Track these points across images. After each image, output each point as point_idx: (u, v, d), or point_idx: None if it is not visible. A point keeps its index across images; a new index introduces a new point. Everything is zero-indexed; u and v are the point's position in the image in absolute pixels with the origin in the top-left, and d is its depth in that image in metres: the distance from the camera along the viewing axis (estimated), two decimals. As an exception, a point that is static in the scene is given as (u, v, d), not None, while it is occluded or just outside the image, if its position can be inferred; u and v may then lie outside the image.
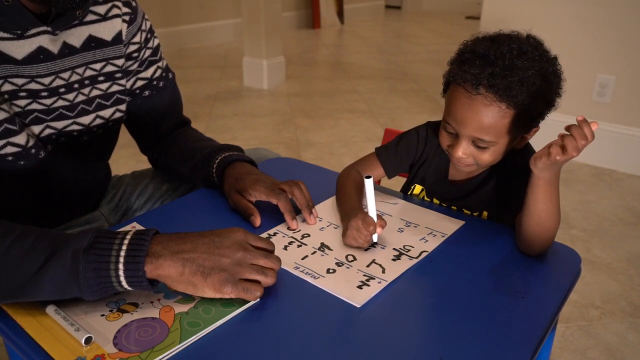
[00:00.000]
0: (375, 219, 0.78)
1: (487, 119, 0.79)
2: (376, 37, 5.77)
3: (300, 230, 0.84)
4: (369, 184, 0.78)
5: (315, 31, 5.97)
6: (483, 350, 0.59)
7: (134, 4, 0.94)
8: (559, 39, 2.48)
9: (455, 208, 0.95)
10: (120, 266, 0.61)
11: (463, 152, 0.83)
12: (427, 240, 0.81)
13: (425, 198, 0.99)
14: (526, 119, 0.82)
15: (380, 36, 5.85)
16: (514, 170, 0.86)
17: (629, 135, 2.40)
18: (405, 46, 5.30)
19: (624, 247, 1.84)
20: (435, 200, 0.98)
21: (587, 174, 2.40)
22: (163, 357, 0.57)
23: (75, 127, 0.88)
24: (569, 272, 0.74)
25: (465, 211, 0.94)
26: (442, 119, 0.87)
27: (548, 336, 0.66)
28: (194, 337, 0.60)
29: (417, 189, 1.00)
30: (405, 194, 1.02)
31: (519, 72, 0.77)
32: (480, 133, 0.81)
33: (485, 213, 0.94)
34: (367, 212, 0.79)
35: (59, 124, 0.86)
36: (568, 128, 0.72)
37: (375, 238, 0.79)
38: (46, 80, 0.82)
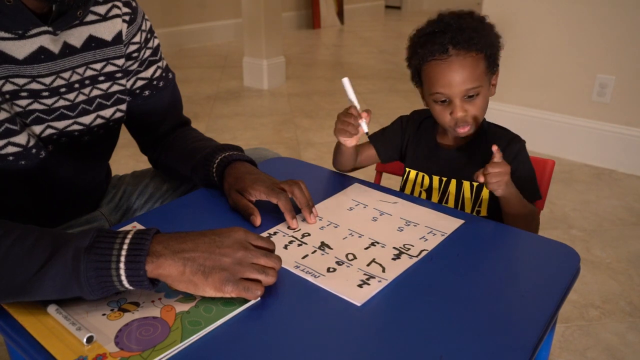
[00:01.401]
0: (359, 109, 0.93)
1: (468, 69, 0.93)
2: (376, 37, 5.77)
3: (300, 229, 0.84)
4: (346, 82, 0.96)
5: (315, 31, 5.97)
6: (483, 348, 0.59)
7: (134, 4, 0.94)
8: (559, 39, 2.49)
9: (455, 180, 1.01)
10: (122, 265, 0.61)
11: (462, 111, 0.95)
12: (427, 239, 0.81)
13: (426, 178, 1.05)
14: (492, 59, 0.96)
15: (380, 36, 5.85)
16: (507, 156, 0.96)
17: (629, 135, 2.40)
18: (405, 46, 5.29)
19: (624, 247, 1.84)
20: (435, 177, 1.03)
21: (587, 174, 2.40)
22: (164, 356, 0.58)
23: (76, 127, 0.89)
24: (568, 271, 0.74)
25: (466, 184, 1.01)
26: (429, 96, 0.98)
27: (547, 335, 0.66)
28: (195, 336, 0.60)
29: (412, 174, 1.07)
30: (402, 187, 1.08)
31: (469, 26, 0.93)
32: (468, 84, 0.93)
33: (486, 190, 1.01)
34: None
35: (60, 124, 0.86)
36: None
37: (364, 127, 0.96)
38: (47, 80, 0.82)
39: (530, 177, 0.99)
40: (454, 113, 0.95)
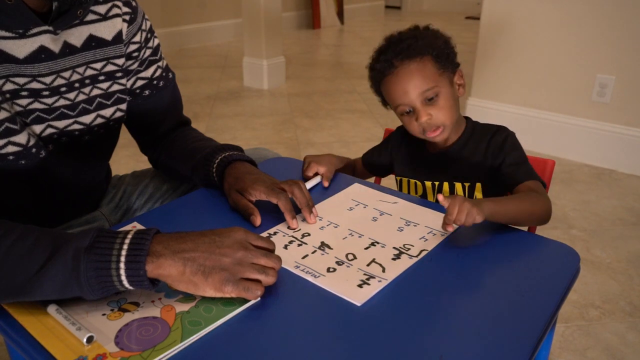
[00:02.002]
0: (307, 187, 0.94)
1: (416, 73, 0.95)
2: (376, 37, 5.74)
3: (300, 229, 0.84)
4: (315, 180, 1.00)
5: (315, 31, 5.97)
6: (482, 348, 0.59)
7: (134, 3, 0.94)
8: (559, 39, 2.49)
9: (447, 183, 1.01)
10: (122, 265, 0.61)
11: (426, 114, 0.96)
12: (426, 239, 0.81)
13: (419, 185, 1.05)
14: (442, 58, 0.97)
15: (380, 36, 5.77)
16: (495, 151, 0.98)
17: (629, 135, 2.40)
18: (405, 46, 5.29)
19: (624, 247, 1.84)
20: (427, 183, 1.03)
21: (587, 174, 2.40)
22: (164, 356, 0.58)
23: (76, 126, 0.89)
24: (568, 270, 0.74)
25: (458, 185, 1.00)
26: (395, 111, 1.01)
27: (547, 335, 0.66)
28: (195, 336, 0.60)
29: (404, 182, 1.08)
30: (398, 191, 1.07)
31: (407, 36, 0.99)
32: (422, 86, 0.95)
33: (478, 185, 1.00)
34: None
35: (60, 124, 0.86)
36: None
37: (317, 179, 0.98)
38: (47, 80, 0.82)
39: (521, 162, 0.97)
40: (418, 119, 0.96)
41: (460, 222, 0.77)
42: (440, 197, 0.79)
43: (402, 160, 1.10)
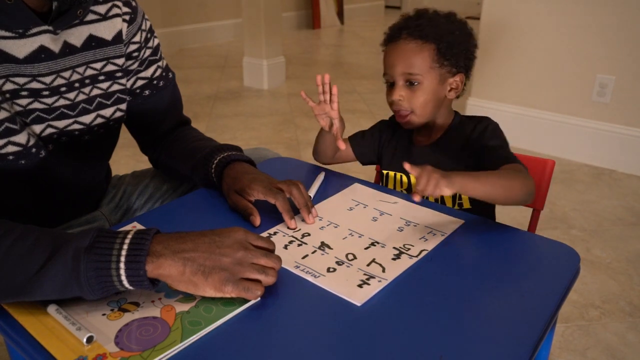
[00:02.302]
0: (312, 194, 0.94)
1: (410, 52, 0.96)
2: (376, 37, 5.76)
3: (300, 229, 0.84)
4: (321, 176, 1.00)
5: (315, 31, 5.97)
6: (482, 348, 0.59)
7: (134, 3, 0.94)
8: (559, 38, 2.49)
9: None
10: (122, 265, 0.61)
11: (399, 94, 0.97)
12: (426, 239, 0.81)
13: (404, 178, 1.05)
14: (445, 54, 0.96)
15: (380, 36, 5.79)
16: (477, 136, 0.99)
17: (629, 135, 2.40)
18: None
19: (624, 247, 1.84)
20: (412, 177, 1.04)
21: (587, 174, 2.40)
22: (164, 356, 0.58)
23: (76, 126, 0.89)
24: (568, 270, 0.74)
25: None
26: (383, 77, 1.02)
27: (547, 335, 0.66)
28: (195, 336, 0.60)
29: (391, 174, 1.08)
30: (382, 185, 1.09)
31: (427, 17, 0.98)
32: (408, 67, 0.96)
33: None
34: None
35: (60, 123, 0.86)
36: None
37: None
38: (47, 80, 0.82)
39: (500, 146, 0.96)
40: (391, 95, 0.98)
41: (428, 192, 0.76)
42: (407, 165, 0.78)
43: (390, 153, 1.11)
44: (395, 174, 1.08)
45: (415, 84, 0.96)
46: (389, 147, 1.11)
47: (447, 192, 0.77)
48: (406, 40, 0.97)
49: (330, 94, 0.98)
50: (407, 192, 1.06)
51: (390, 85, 1.00)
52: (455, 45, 0.97)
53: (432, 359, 0.57)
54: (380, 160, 1.13)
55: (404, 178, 1.06)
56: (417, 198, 0.78)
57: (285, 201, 0.85)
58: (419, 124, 1.01)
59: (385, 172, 1.10)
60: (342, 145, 0.98)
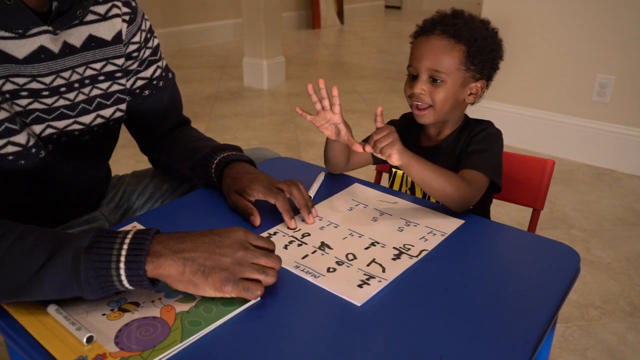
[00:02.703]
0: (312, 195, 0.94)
1: (441, 50, 0.95)
2: (376, 37, 5.77)
3: (300, 229, 0.84)
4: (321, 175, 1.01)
5: (315, 31, 5.97)
6: (482, 348, 0.59)
7: (133, 3, 0.94)
8: (559, 39, 2.49)
9: None
10: (122, 265, 0.61)
11: (421, 88, 0.96)
12: (427, 239, 0.81)
13: (406, 178, 1.05)
14: (473, 59, 0.96)
15: (380, 36, 5.85)
16: (470, 139, 0.99)
17: (629, 135, 2.40)
18: (405, 46, 5.26)
19: (624, 247, 1.84)
20: None
21: (587, 174, 2.40)
22: (164, 356, 0.58)
23: (76, 126, 0.89)
24: (568, 271, 0.74)
25: None
26: (407, 69, 1.01)
27: (547, 335, 0.66)
28: (195, 336, 0.60)
29: (399, 174, 1.07)
30: (390, 184, 1.08)
31: (464, 18, 0.98)
32: (435, 64, 0.95)
33: None
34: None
35: (60, 124, 0.86)
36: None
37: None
38: (47, 80, 0.82)
39: (478, 151, 0.96)
40: (414, 87, 0.97)
41: (377, 149, 0.83)
42: (378, 115, 0.85)
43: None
44: (403, 173, 1.07)
45: (439, 81, 0.96)
46: None
47: (394, 158, 0.84)
48: (439, 36, 0.96)
49: (329, 96, 0.94)
50: (412, 192, 1.06)
51: (412, 78, 0.99)
52: (485, 51, 0.97)
53: (432, 359, 0.57)
54: None
55: (409, 177, 1.05)
56: (368, 149, 0.84)
57: (285, 201, 0.85)
58: (434, 120, 1.00)
59: (394, 170, 1.09)
60: (359, 148, 0.88)
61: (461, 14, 1.00)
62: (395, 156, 0.84)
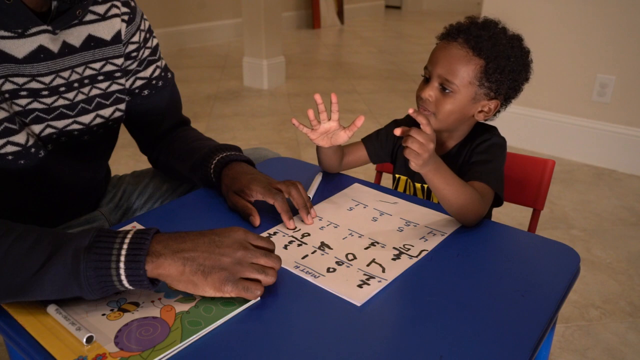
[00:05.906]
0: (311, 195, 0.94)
1: (456, 59, 0.91)
2: (376, 37, 5.77)
3: (300, 229, 0.84)
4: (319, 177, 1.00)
5: (315, 31, 5.97)
6: (483, 348, 0.59)
7: (132, 3, 0.94)
8: (559, 38, 2.49)
9: None
10: (121, 265, 0.61)
11: (429, 94, 0.93)
12: (426, 240, 0.81)
13: (417, 185, 1.03)
14: (490, 76, 0.91)
15: (380, 36, 5.85)
16: (478, 148, 0.96)
17: (629, 135, 2.40)
18: (405, 46, 5.30)
19: (624, 247, 1.84)
20: (417, 185, 1.02)
21: (587, 174, 2.40)
22: (164, 356, 0.58)
23: (75, 126, 0.89)
24: (568, 271, 0.74)
25: None
26: (424, 70, 0.97)
27: (547, 335, 0.66)
28: (194, 336, 0.60)
29: (402, 180, 1.05)
30: (394, 189, 1.06)
31: (491, 30, 0.94)
32: (448, 72, 0.91)
33: None
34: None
35: (60, 123, 0.86)
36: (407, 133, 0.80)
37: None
38: (46, 79, 0.82)
39: (484, 162, 0.93)
40: (423, 90, 0.93)
41: (408, 145, 0.78)
42: (410, 110, 0.81)
43: (402, 157, 1.07)
44: (407, 180, 1.05)
45: (448, 91, 0.91)
46: (402, 150, 1.08)
47: (415, 165, 0.80)
48: (460, 45, 0.91)
49: (327, 109, 0.93)
50: None
51: (426, 80, 0.95)
52: (505, 70, 0.92)
53: (432, 359, 0.57)
54: (394, 161, 1.09)
55: (417, 185, 1.03)
56: (397, 132, 0.80)
57: (284, 202, 0.85)
58: (436, 129, 0.94)
59: (397, 176, 1.07)
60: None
61: (491, 26, 0.95)
62: (420, 163, 0.79)
